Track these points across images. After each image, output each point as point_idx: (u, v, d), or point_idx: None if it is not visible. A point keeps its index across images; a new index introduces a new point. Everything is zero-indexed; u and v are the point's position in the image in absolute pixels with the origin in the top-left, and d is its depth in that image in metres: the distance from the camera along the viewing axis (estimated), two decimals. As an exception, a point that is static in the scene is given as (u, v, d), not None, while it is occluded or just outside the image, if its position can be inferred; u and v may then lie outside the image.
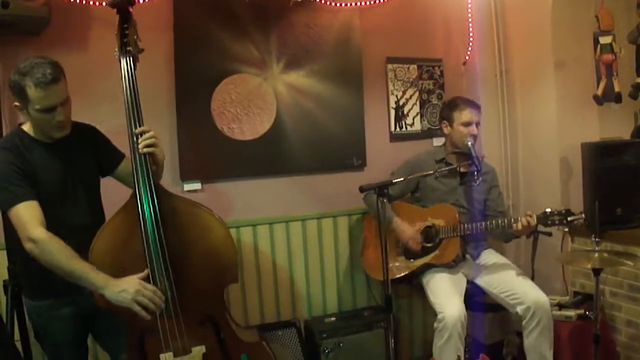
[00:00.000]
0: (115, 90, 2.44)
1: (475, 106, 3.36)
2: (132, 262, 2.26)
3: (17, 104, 2.21)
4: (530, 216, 3.00)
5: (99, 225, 2.33)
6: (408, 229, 3.26)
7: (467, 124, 3.28)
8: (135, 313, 2.17)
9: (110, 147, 2.58)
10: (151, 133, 2.31)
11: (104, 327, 2.50)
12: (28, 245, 2.15)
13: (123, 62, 2.34)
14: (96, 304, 2.26)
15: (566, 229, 3.28)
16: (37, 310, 2.39)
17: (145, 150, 2.28)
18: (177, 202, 2.39)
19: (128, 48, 2.34)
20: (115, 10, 2.37)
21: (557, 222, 2.98)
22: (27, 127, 2.33)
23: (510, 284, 3.13)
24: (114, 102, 2.53)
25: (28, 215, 2.16)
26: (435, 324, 2.99)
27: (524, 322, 3.02)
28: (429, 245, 3.26)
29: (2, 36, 2.79)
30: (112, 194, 2.51)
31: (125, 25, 2.35)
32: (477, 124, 3.31)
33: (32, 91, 2.13)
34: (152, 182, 2.27)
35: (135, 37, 2.37)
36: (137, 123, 2.31)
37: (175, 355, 2.28)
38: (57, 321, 2.37)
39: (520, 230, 3.05)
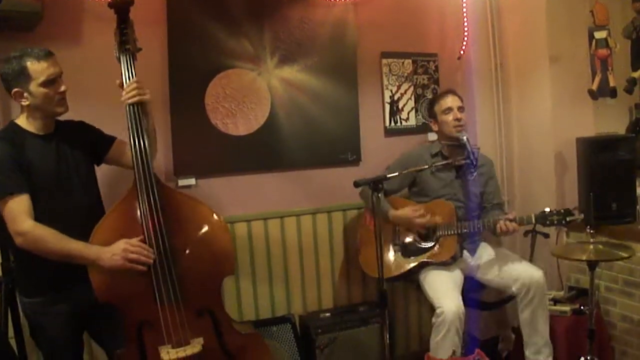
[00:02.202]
0: (110, 86, 2.44)
1: (451, 92, 3.39)
2: None
3: (16, 90, 2.25)
4: (511, 220, 3.02)
5: (96, 215, 2.37)
6: (405, 211, 3.22)
7: (447, 111, 3.30)
8: (134, 301, 2.28)
9: (100, 132, 2.63)
10: (134, 79, 2.38)
11: (99, 323, 2.51)
12: (18, 240, 2.20)
13: (123, 60, 2.39)
14: (97, 300, 2.29)
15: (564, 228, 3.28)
16: (32, 307, 2.39)
17: (131, 100, 2.35)
18: (174, 195, 2.46)
19: (127, 46, 2.39)
20: (113, 10, 2.39)
21: (555, 222, 2.99)
22: (20, 121, 2.36)
23: (505, 266, 3.16)
24: (109, 97, 2.52)
25: (18, 209, 2.20)
26: (434, 319, 2.97)
27: (518, 299, 3.04)
28: (426, 242, 3.24)
29: (-6, 31, 2.77)
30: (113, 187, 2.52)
31: (124, 25, 2.39)
32: (461, 109, 3.32)
33: (35, 66, 2.23)
34: (148, 160, 2.33)
35: (133, 36, 2.42)
36: (137, 125, 2.36)
37: (174, 347, 2.30)
38: (52, 318, 2.37)
39: (500, 234, 3.08)
